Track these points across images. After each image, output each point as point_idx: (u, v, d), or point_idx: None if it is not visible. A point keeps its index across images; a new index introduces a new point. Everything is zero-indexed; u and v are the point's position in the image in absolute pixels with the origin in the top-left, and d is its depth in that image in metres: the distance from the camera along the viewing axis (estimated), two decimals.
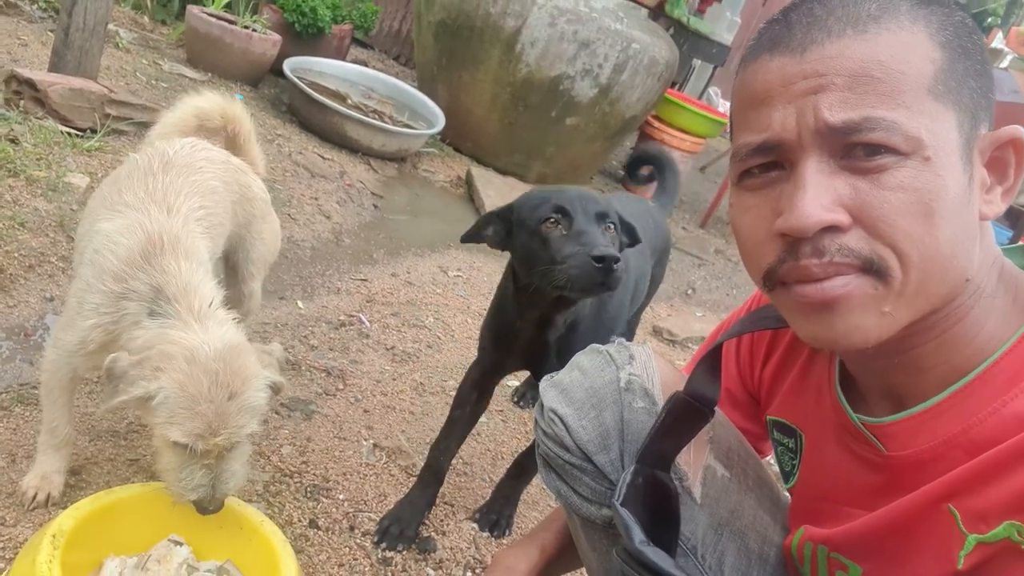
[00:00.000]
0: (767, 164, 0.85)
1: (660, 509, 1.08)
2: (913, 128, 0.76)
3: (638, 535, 0.96)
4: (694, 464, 1.16)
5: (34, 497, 1.53)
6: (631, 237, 1.73)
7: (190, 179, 1.59)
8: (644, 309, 2.56)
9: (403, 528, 1.80)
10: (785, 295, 0.86)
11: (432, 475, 1.88)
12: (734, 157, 0.89)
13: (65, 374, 1.50)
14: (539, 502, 2.17)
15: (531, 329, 1.72)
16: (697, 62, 8.71)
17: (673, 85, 7.04)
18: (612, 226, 1.60)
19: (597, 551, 1.23)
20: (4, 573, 1.29)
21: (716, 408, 1.19)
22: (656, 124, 5.70)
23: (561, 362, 1.29)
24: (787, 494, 1.20)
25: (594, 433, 1.15)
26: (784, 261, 0.83)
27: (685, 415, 1.10)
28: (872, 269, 0.79)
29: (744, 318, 1.20)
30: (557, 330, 1.72)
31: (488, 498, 2.00)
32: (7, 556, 1.41)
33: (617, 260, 1.46)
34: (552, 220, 1.54)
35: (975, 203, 0.81)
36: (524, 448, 2.00)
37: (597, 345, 1.26)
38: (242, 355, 1.32)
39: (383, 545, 1.77)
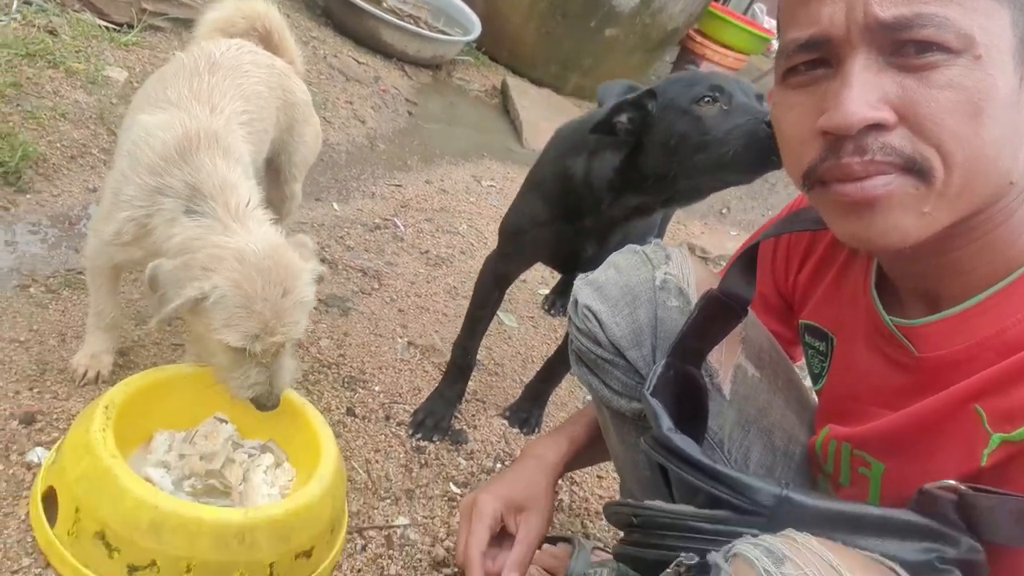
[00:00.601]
0: (814, 61, 0.83)
1: (689, 403, 1.11)
2: (966, 25, 0.74)
3: (666, 422, 0.99)
4: (725, 362, 1.18)
5: (84, 374, 1.60)
6: None
7: (236, 82, 1.58)
8: (670, 216, 2.49)
9: (437, 421, 1.86)
10: (824, 194, 0.85)
11: (459, 370, 1.91)
12: (780, 54, 0.87)
13: (105, 262, 1.52)
14: (567, 403, 2.22)
15: (591, 231, 1.64)
16: None
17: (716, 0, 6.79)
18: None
19: (625, 443, 1.27)
20: (61, 441, 1.36)
21: (749, 309, 1.20)
22: (698, 39, 5.53)
23: (597, 262, 1.28)
24: (815, 397, 1.23)
25: (627, 329, 1.17)
26: (825, 159, 0.82)
27: (718, 313, 1.11)
28: (914, 169, 0.78)
29: (782, 219, 1.20)
30: (614, 240, 1.64)
31: (519, 397, 2.05)
32: (61, 427, 1.49)
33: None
34: (709, 98, 1.42)
35: (1022, 105, 0.79)
36: (553, 352, 2.04)
37: (633, 245, 1.27)
38: (287, 252, 1.33)
39: (418, 435, 1.83)
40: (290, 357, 1.36)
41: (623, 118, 1.52)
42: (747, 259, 1.13)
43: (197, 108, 1.48)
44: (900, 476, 0.96)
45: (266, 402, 1.36)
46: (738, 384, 1.18)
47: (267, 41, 1.91)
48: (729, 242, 3.81)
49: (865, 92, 0.77)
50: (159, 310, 1.26)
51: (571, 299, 1.25)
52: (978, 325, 0.87)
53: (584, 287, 1.23)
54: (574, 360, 1.27)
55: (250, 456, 1.44)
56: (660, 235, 2.49)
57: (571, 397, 2.25)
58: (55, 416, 1.50)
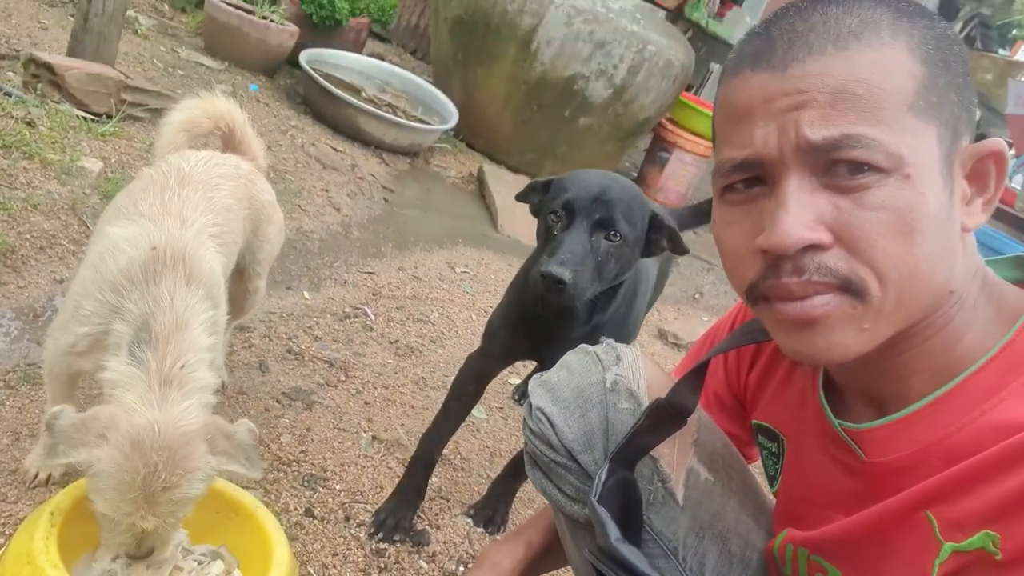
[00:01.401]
0: (750, 179, 0.85)
1: (627, 511, 1.10)
2: (894, 145, 0.76)
3: (614, 532, 0.98)
4: (677, 466, 1.17)
5: (36, 476, 1.57)
6: (673, 244, 1.65)
7: (207, 195, 1.59)
8: (648, 309, 2.55)
9: (399, 520, 1.83)
10: (767, 310, 0.87)
11: (422, 466, 1.88)
12: (716, 171, 0.89)
13: (62, 369, 1.50)
14: (535, 500, 2.19)
15: (553, 319, 1.70)
16: (715, 66, 8.68)
17: (689, 88, 7.02)
18: (616, 235, 1.54)
19: (581, 550, 1.25)
20: (2, 548, 1.32)
21: (703, 411, 1.20)
22: (670, 127, 5.70)
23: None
24: (772, 498, 1.22)
25: (579, 432, 1.17)
26: (766, 278, 0.84)
27: (663, 421, 1.12)
28: (851, 288, 0.79)
29: (733, 333, 1.21)
30: (580, 327, 1.70)
31: (484, 494, 2.02)
32: (7, 532, 1.45)
33: (560, 283, 1.47)
34: (556, 214, 1.55)
35: (956, 216, 0.82)
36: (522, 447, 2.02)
37: (586, 345, 1.28)
38: (190, 443, 1.24)
39: (379, 536, 1.79)
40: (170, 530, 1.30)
41: (534, 198, 1.69)
42: (697, 372, 1.14)
43: (168, 221, 1.47)
44: None
45: (135, 554, 1.29)
46: (691, 488, 1.17)
47: (230, 138, 1.94)
48: (700, 327, 3.84)
49: (800, 213, 0.79)
50: (43, 457, 1.20)
51: (526, 401, 1.25)
52: (922, 431, 0.87)
53: (537, 388, 1.23)
54: (528, 463, 1.26)
55: (199, 564, 1.40)
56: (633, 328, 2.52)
57: (538, 494, 2.21)
58: (2, 520, 1.46)
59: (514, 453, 2.03)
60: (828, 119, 0.77)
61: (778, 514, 1.18)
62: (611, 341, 1.28)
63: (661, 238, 1.63)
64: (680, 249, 1.66)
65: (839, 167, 0.78)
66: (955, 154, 0.81)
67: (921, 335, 0.86)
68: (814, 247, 0.79)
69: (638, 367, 1.21)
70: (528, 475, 1.27)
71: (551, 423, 1.18)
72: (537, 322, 1.72)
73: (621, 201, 1.54)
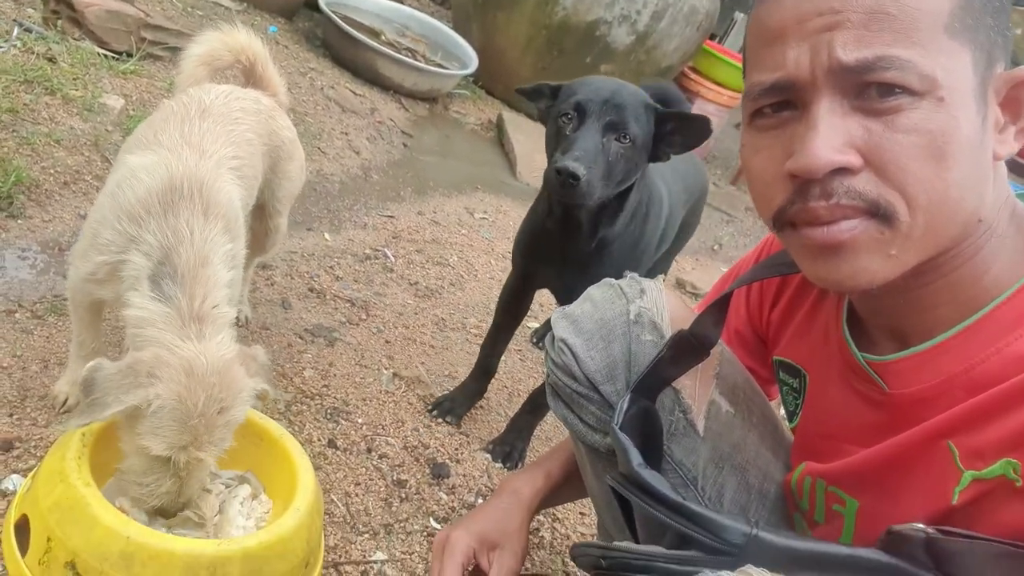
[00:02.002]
0: (780, 103, 0.84)
1: (652, 440, 1.11)
2: (928, 67, 0.75)
3: (636, 458, 0.99)
4: (699, 398, 1.18)
5: (64, 401, 1.60)
6: (684, 133, 1.67)
7: (227, 128, 1.59)
8: (675, 255, 2.54)
9: (453, 406, 2.06)
10: (794, 236, 0.87)
11: (482, 371, 2.10)
12: (746, 96, 0.88)
13: (84, 296, 1.51)
14: (552, 438, 2.21)
15: (559, 232, 1.77)
16: (739, 15, 8.49)
17: (712, 38, 6.89)
18: (626, 136, 1.59)
19: (600, 480, 1.27)
20: (37, 469, 1.36)
21: (724, 346, 1.21)
22: (692, 76, 5.60)
23: (589, 286, 1.32)
24: (791, 434, 1.23)
25: (601, 363, 1.18)
26: (793, 203, 0.84)
27: (686, 352, 1.12)
28: (879, 213, 0.79)
29: (757, 265, 1.21)
30: (585, 240, 1.75)
31: (503, 430, 2.05)
32: (39, 454, 1.48)
33: (575, 177, 1.51)
34: (567, 116, 1.59)
35: (988, 143, 0.81)
36: (539, 385, 2.04)
37: (610, 279, 1.28)
38: (234, 368, 1.28)
39: (434, 413, 2.06)
40: (206, 472, 1.30)
41: (541, 103, 1.74)
42: (720, 304, 1.14)
43: (187, 152, 1.46)
44: (874, 513, 0.96)
45: (169, 510, 1.30)
46: (712, 420, 1.18)
47: (251, 72, 1.92)
48: (718, 278, 3.82)
49: (831, 136, 0.78)
50: (87, 414, 1.18)
51: (549, 333, 1.26)
52: (946, 362, 0.88)
53: (560, 320, 1.24)
54: (550, 394, 1.27)
55: (227, 487, 1.44)
56: (665, 266, 2.53)
57: (556, 432, 2.24)
58: (33, 444, 1.50)
59: (531, 392, 2.05)
60: (861, 40, 0.76)
61: (796, 449, 1.19)
62: (635, 275, 1.28)
63: (669, 132, 1.66)
64: (695, 134, 1.66)
65: (871, 89, 0.77)
66: (990, 79, 0.80)
67: (949, 265, 0.86)
68: (843, 170, 0.79)
69: (661, 300, 1.22)
70: (549, 406, 1.28)
71: (573, 354, 1.19)
72: (547, 237, 1.80)
73: (631, 104, 1.59)
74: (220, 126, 1.58)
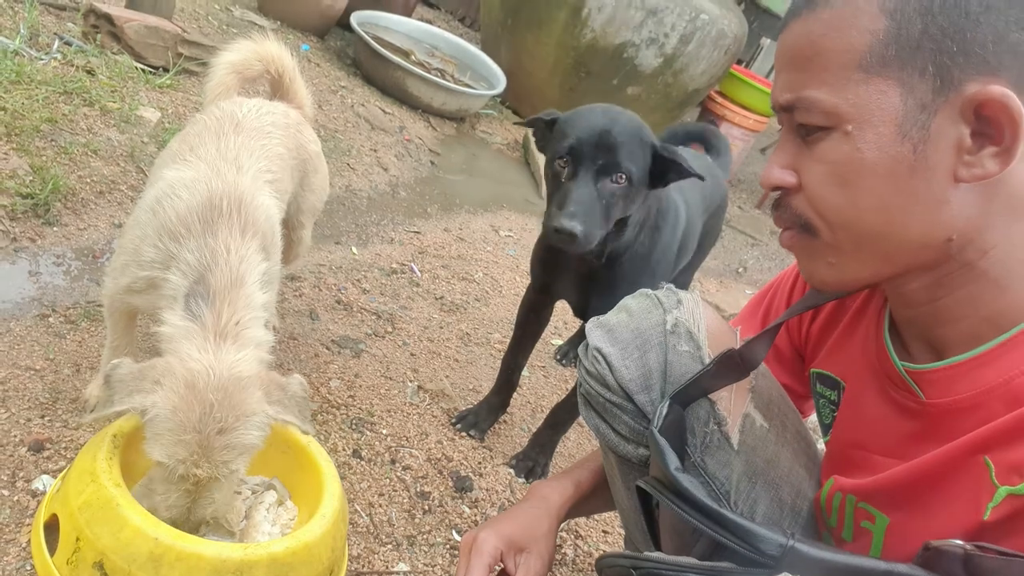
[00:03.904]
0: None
1: (677, 450, 1.10)
2: (831, 104, 0.83)
3: (673, 462, 0.98)
4: (734, 411, 1.17)
5: (95, 405, 1.61)
6: (680, 175, 1.66)
7: (260, 142, 1.61)
8: (696, 268, 2.52)
9: (477, 420, 2.07)
10: None
11: (504, 383, 2.10)
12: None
13: (120, 305, 1.53)
14: (575, 455, 2.20)
15: (569, 253, 1.76)
16: (766, 41, 8.51)
17: (740, 62, 6.91)
18: (621, 177, 1.59)
19: (631, 491, 1.25)
20: (67, 469, 1.37)
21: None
22: (719, 99, 5.60)
23: (603, 299, 1.33)
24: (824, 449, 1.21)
25: (637, 373, 1.17)
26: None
27: (729, 369, 1.12)
28: (807, 228, 0.91)
29: (807, 295, 1.20)
30: (593, 258, 1.76)
31: (526, 445, 2.04)
32: (69, 456, 1.49)
33: (573, 238, 1.53)
34: (562, 160, 1.61)
35: (938, 166, 0.81)
36: (562, 399, 2.03)
37: (646, 289, 1.28)
38: (245, 389, 1.25)
39: (458, 426, 2.05)
40: (221, 493, 1.27)
41: (537, 134, 1.75)
42: (774, 330, 1.15)
43: (224, 167, 1.48)
44: (904, 530, 0.94)
45: (180, 526, 1.25)
46: (746, 434, 1.17)
47: (278, 84, 1.95)
48: (744, 300, 3.79)
49: (778, 158, 0.92)
50: (100, 409, 1.21)
51: (583, 342, 1.25)
52: (985, 374, 0.87)
53: (595, 329, 1.23)
54: (582, 403, 1.26)
55: (253, 492, 1.44)
56: (686, 280, 2.52)
57: (579, 449, 2.22)
58: (64, 445, 1.51)
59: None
60: (786, 84, 0.88)
61: (827, 461, 1.17)
62: (671, 285, 1.27)
63: (667, 171, 1.66)
64: (685, 176, 1.66)
65: (800, 127, 0.88)
66: (943, 103, 0.79)
67: (955, 280, 0.87)
68: (785, 189, 0.91)
69: (698, 311, 1.21)
70: (581, 414, 1.27)
71: (608, 363, 1.18)
72: (558, 255, 1.84)
73: (624, 142, 1.58)
74: (254, 140, 1.60)
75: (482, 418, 2.08)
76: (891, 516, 0.96)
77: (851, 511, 1.03)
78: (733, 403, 1.17)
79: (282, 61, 1.93)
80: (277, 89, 1.97)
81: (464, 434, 2.05)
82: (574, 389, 1.86)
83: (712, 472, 1.15)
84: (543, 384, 2.46)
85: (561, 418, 2.00)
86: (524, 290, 2.04)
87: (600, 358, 1.19)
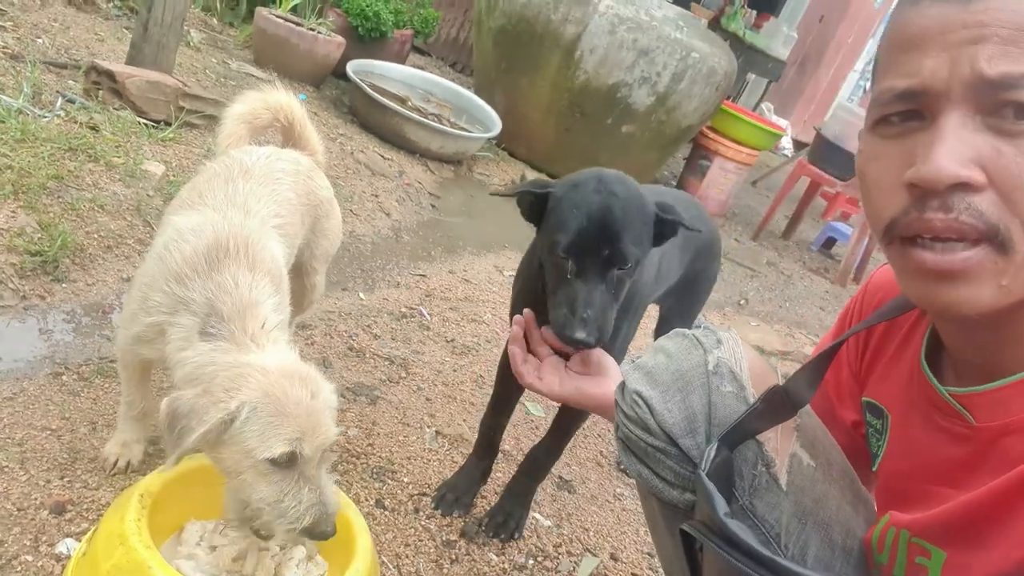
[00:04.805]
0: (908, 112, 0.82)
1: (726, 492, 1.08)
2: None
3: (722, 507, 0.96)
4: (781, 451, 1.15)
5: (115, 463, 1.58)
6: (677, 230, 1.60)
7: (269, 188, 1.61)
8: (695, 315, 2.45)
9: (459, 496, 1.86)
10: (903, 254, 0.84)
11: (484, 448, 1.91)
12: (875, 101, 0.86)
13: (133, 357, 1.51)
14: (597, 496, 2.16)
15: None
16: (751, 76, 8.66)
17: (727, 98, 7.01)
18: (626, 264, 1.49)
19: (675, 535, 1.22)
20: (92, 532, 1.33)
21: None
22: (711, 135, 5.67)
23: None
24: (871, 488, 1.19)
25: (680, 416, 1.15)
26: (908, 213, 0.81)
27: (776, 408, 1.10)
28: (996, 239, 0.76)
29: (851, 329, 1.19)
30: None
31: (500, 497, 1.90)
32: (91, 517, 1.46)
33: (589, 345, 1.45)
34: (563, 256, 1.47)
35: None
36: (542, 439, 1.88)
37: (682, 329, 1.26)
38: (305, 365, 1.28)
39: (439, 511, 1.83)
40: (327, 475, 1.26)
41: (525, 206, 1.59)
42: (817, 366, 1.12)
43: (231, 211, 1.49)
44: (962, 565, 0.91)
45: (325, 526, 1.21)
46: (794, 474, 1.14)
47: (289, 132, 1.95)
48: (751, 332, 3.79)
49: (958, 149, 0.76)
50: (177, 445, 1.16)
51: (618, 384, 1.23)
52: None
53: (633, 372, 1.21)
54: (621, 448, 1.23)
55: (282, 548, 1.40)
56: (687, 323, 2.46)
57: (601, 490, 2.19)
58: (85, 506, 1.47)
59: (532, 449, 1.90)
60: (1007, 55, 0.74)
61: (879, 493, 1.15)
62: (708, 324, 1.26)
63: (668, 232, 1.57)
64: (684, 228, 1.59)
65: (1007, 109, 0.75)
66: None
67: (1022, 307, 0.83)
68: (966, 186, 0.76)
69: (739, 350, 1.19)
70: (620, 459, 1.25)
71: (649, 407, 1.15)
72: (538, 299, 1.67)
73: (626, 226, 1.47)
74: (262, 186, 1.60)
75: (462, 491, 1.88)
76: (948, 551, 0.94)
77: (904, 547, 1.01)
78: (780, 443, 1.15)
79: (291, 109, 1.94)
80: (289, 137, 1.98)
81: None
82: (552, 430, 1.83)
83: (761, 515, 1.12)
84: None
85: (539, 463, 1.86)
86: None
87: (640, 401, 1.16)
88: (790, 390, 1.08)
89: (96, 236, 2.29)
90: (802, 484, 1.15)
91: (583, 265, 1.46)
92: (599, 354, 1.54)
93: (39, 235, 2.13)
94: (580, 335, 1.44)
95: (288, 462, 1.19)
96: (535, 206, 1.56)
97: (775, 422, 1.12)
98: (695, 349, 1.18)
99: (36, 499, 1.43)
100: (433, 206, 3.85)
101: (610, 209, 1.46)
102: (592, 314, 1.45)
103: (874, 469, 1.14)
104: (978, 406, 0.91)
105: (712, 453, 1.04)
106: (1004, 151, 0.75)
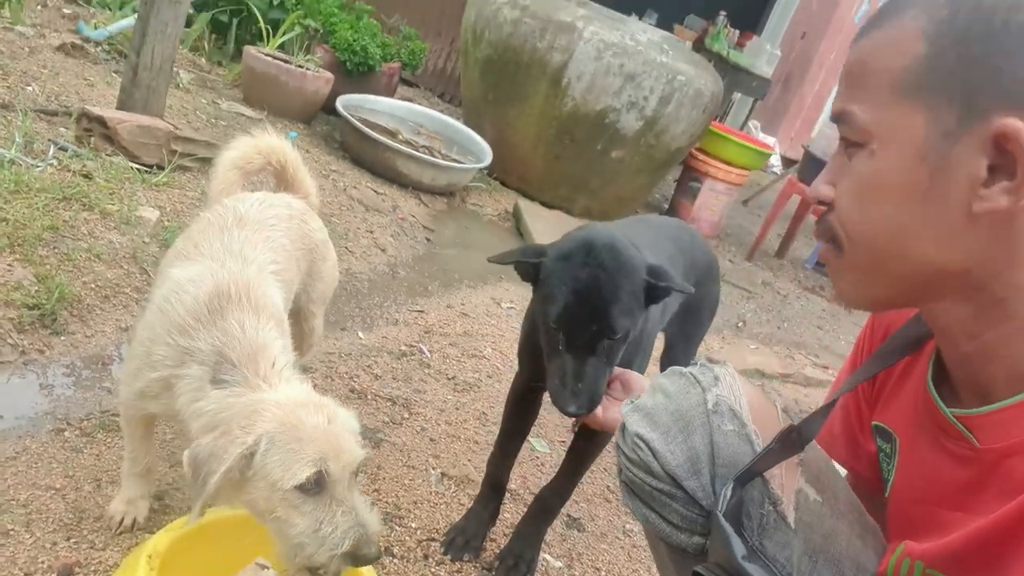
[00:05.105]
0: None
1: (739, 533, 1.08)
2: (863, 121, 0.86)
3: (740, 549, 0.96)
4: (787, 487, 1.15)
5: (121, 521, 1.57)
6: (667, 292, 1.59)
7: (264, 235, 1.62)
8: (697, 341, 2.47)
9: (468, 539, 1.85)
10: None
11: (491, 489, 1.91)
12: None
13: (137, 412, 1.51)
14: (607, 533, 2.15)
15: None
16: (737, 95, 8.74)
17: (714, 118, 7.06)
18: (615, 334, 1.49)
19: None
20: None
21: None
22: (700, 156, 5.71)
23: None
24: (879, 517, 1.19)
25: (683, 457, 1.15)
26: None
27: (785, 446, 1.11)
28: (832, 242, 0.93)
29: (863, 365, 1.20)
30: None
31: (509, 539, 1.90)
32: None
33: (581, 415, 1.48)
34: (553, 328, 1.49)
35: (953, 196, 0.82)
36: (551, 481, 1.88)
37: (679, 367, 1.26)
38: (318, 396, 1.30)
39: (449, 556, 1.82)
40: (358, 494, 1.26)
41: (521, 271, 1.61)
42: (831, 406, 1.14)
43: (229, 260, 1.49)
44: None
45: (368, 548, 1.20)
46: (801, 511, 1.14)
47: (282, 175, 1.96)
48: (750, 356, 3.80)
49: (825, 173, 0.95)
50: (202, 490, 1.16)
51: (619, 427, 1.23)
52: None
53: (632, 414, 1.21)
54: (625, 492, 1.23)
55: None
56: (691, 351, 2.47)
57: (610, 527, 2.18)
58: (93, 568, 1.46)
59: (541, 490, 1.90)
60: (840, 95, 0.91)
61: (890, 519, 1.15)
62: (705, 362, 1.26)
63: (662, 294, 1.57)
64: (678, 291, 1.59)
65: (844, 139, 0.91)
66: (965, 133, 0.80)
67: (991, 316, 0.87)
68: (823, 201, 0.94)
69: (736, 386, 1.20)
70: (625, 503, 1.24)
71: (651, 449, 1.16)
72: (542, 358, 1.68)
73: (615, 299, 1.47)
74: (257, 233, 1.61)
75: (472, 535, 1.86)
76: None
77: None
78: (785, 479, 1.15)
79: (283, 152, 1.95)
80: (281, 180, 1.99)
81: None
82: (563, 471, 1.83)
83: (772, 555, 1.12)
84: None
85: (548, 504, 1.86)
86: None
87: (642, 444, 1.16)
88: (803, 431, 1.09)
89: (93, 286, 2.29)
90: (810, 520, 1.15)
91: (572, 338, 1.48)
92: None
93: (36, 288, 2.13)
94: (571, 408, 1.47)
95: (316, 486, 1.19)
96: (530, 272, 1.58)
97: (781, 459, 1.12)
98: (693, 388, 1.18)
99: (43, 563, 1.42)
100: (428, 239, 3.86)
101: (598, 283, 1.47)
102: (583, 386, 1.47)
103: (886, 495, 1.14)
104: (981, 427, 0.92)
105: (728, 493, 1.05)
106: (841, 173, 0.91)
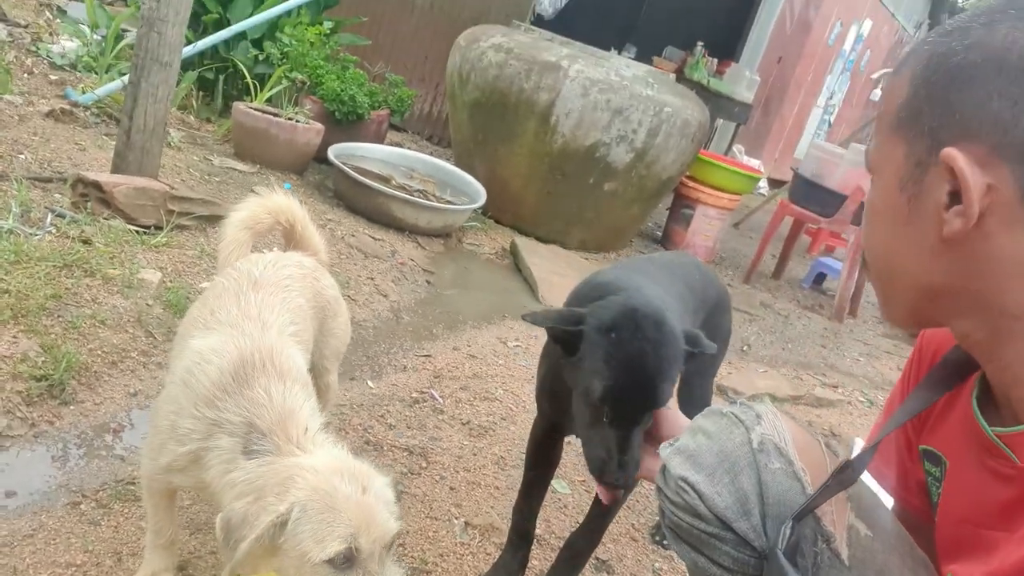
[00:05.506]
0: None
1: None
2: (871, 155, 0.98)
3: None
4: (838, 524, 1.13)
5: None
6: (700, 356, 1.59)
7: (280, 297, 1.61)
8: (713, 374, 2.44)
9: None
10: None
11: (519, 537, 1.87)
12: None
13: (161, 485, 1.48)
14: (637, 575, 2.11)
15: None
16: (720, 121, 8.83)
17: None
18: (660, 406, 1.47)
19: None
20: None
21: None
22: (691, 184, 5.75)
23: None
24: (924, 554, 1.17)
25: (731, 499, 1.12)
26: None
27: (843, 482, 1.09)
28: (864, 261, 1.05)
29: (909, 398, 1.19)
30: None
31: None
32: None
33: (627, 487, 1.48)
34: (599, 403, 1.45)
35: (928, 219, 0.89)
36: (579, 528, 1.85)
37: (717, 407, 1.25)
38: (357, 462, 1.28)
39: None
40: (396, 566, 1.23)
41: (558, 335, 1.53)
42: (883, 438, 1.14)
43: (248, 325, 1.48)
44: None
45: None
46: (854, 547, 1.12)
47: (291, 234, 1.95)
48: (758, 379, 3.78)
49: None
50: (232, 555, 1.14)
51: (660, 470, 1.20)
52: None
53: (673, 456, 1.18)
54: (671, 536, 1.20)
55: None
56: (708, 385, 2.45)
57: (640, 567, 2.14)
58: None
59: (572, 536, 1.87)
60: (873, 137, 1.00)
61: (939, 541, 1.13)
62: (744, 401, 1.24)
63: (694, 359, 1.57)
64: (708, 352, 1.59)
65: None
66: (933, 163, 0.88)
67: (1000, 335, 0.89)
68: None
69: (779, 424, 1.18)
70: (672, 548, 1.22)
71: (697, 492, 1.13)
72: (567, 389, 1.63)
73: (662, 373, 1.46)
74: (274, 296, 1.60)
75: None
76: None
77: None
78: (836, 515, 1.13)
79: (292, 211, 1.94)
80: (290, 238, 1.98)
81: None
82: (592, 515, 1.80)
83: None
84: (587, 499, 2.38)
85: (579, 548, 1.82)
86: None
87: (687, 487, 1.14)
88: (855, 465, 1.08)
89: (100, 353, 2.26)
90: (863, 557, 1.12)
91: (619, 413, 1.45)
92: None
93: (43, 358, 2.10)
94: (620, 480, 1.44)
95: (346, 562, 1.16)
96: (567, 340, 1.51)
97: (831, 495, 1.10)
98: (736, 427, 1.17)
99: None
100: (428, 282, 3.85)
101: (646, 359, 1.45)
102: (630, 458, 1.44)
103: (936, 519, 1.12)
104: (1020, 445, 0.92)
105: (788, 532, 1.03)
106: None
